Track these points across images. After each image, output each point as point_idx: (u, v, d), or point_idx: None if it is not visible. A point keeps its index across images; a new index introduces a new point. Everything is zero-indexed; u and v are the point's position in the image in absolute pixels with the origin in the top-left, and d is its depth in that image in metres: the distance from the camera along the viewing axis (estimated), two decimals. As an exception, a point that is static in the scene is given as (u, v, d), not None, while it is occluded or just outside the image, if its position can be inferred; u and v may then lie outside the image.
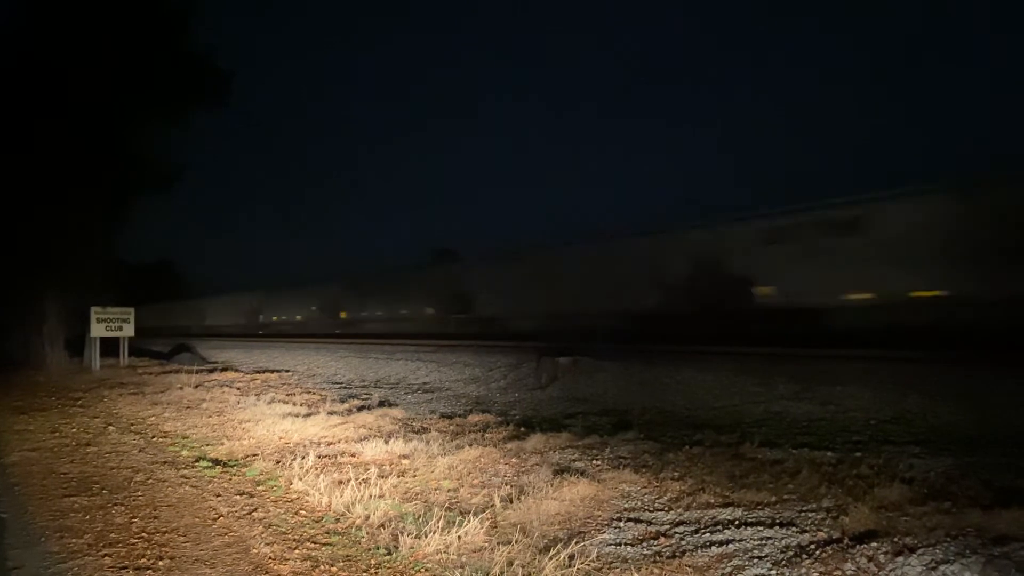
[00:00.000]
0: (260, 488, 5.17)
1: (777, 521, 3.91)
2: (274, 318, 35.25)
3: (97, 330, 16.76)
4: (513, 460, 5.61)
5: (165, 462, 6.17)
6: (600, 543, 3.75)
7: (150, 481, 5.49)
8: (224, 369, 15.37)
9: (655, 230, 17.06)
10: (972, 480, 4.45)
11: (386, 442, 6.27)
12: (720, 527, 3.89)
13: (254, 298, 37.89)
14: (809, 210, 13.44)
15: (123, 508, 4.75)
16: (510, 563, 3.45)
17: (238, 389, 11.22)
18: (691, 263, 15.33)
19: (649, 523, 4.06)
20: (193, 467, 5.93)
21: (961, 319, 10.57)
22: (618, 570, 3.42)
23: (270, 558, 3.71)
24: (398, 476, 5.21)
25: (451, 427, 7.27)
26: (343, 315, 28.71)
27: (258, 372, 14.47)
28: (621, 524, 4.04)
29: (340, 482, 4.96)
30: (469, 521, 3.94)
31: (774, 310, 13.59)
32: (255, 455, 6.21)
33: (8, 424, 8.59)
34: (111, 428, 8.06)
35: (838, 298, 12.56)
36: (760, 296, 13.98)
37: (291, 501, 4.81)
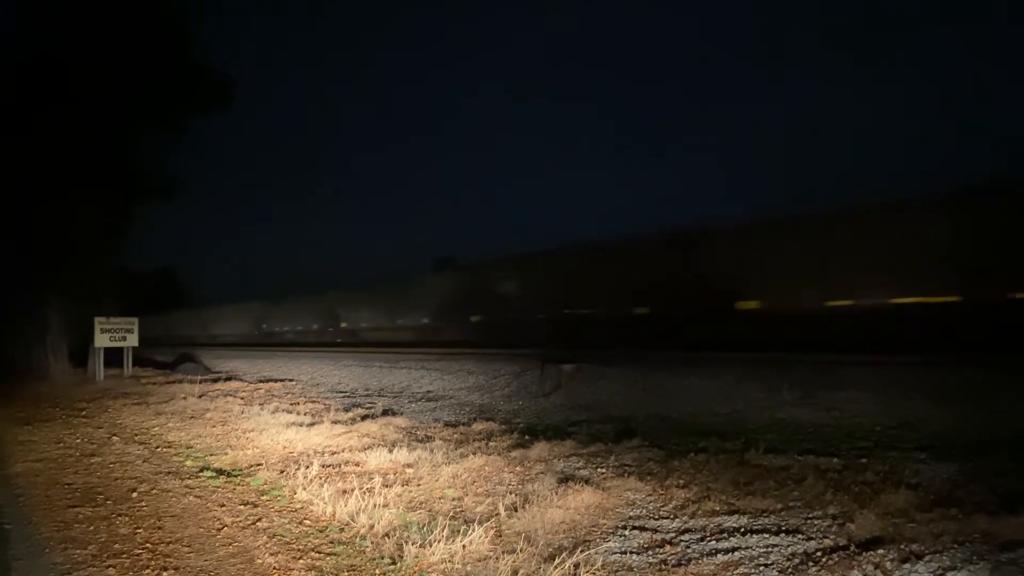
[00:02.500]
0: (264, 498, 5.16)
1: (783, 528, 3.90)
2: (276, 328, 35.25)
3: (101, 340, 16.77)
4: (517, 468, 5.60)
5: (169, 472, 6.17)
6: (605, 551, 3.74)
7: (154, 491, 5.48)
8: (228, 379, 15.37)
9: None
10: (978, 485, 4.43)
11: (390, 451, 6.26)
12: (726, 535, 3.88)
13: (256, 308, 37.92)
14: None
15: (127, 519, 4.75)
16: (515, 572, 3.44)
17: (242, 399, 11.22)
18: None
19: (654, 531, 4.04)
20: (197, 477, 5.93)
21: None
22: (624, 578, 3.41)
23: (274, 568, 3.71)
24: (402, 485, 5.20)
25: (455, 435, 7.26)
26: (344, 325, 28.71)
27: (262, 381, 14.47)
28: (626, 532, 4.03)
29: (344, 491, 4.95)
30: (474, 530, 3.94)
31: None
32: (259, 465, 6.21)
33: (12, 435, 8.60)
34: (115, 438, 8.06)
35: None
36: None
37: (295, 511, 4.80)
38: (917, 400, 6.98)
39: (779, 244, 13.62)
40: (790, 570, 3.35)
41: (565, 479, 5.11)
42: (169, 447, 7.45)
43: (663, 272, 15.81)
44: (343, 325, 28.69)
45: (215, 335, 41.11)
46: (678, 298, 15.25)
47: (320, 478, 5.45)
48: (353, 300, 28.57)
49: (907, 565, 3.21)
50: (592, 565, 3.51)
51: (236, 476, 5.88)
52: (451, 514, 4.46)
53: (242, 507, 4.94)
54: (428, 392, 11.53)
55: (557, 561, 3.47)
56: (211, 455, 6.86)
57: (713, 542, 3.78)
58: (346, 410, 9.51)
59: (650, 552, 3.72)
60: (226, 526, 4.50)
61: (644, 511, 4.44)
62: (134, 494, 5.41)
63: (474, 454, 6.04)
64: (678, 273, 15.43)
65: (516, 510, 4.44)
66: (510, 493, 4.88)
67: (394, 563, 3.70)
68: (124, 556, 3.98)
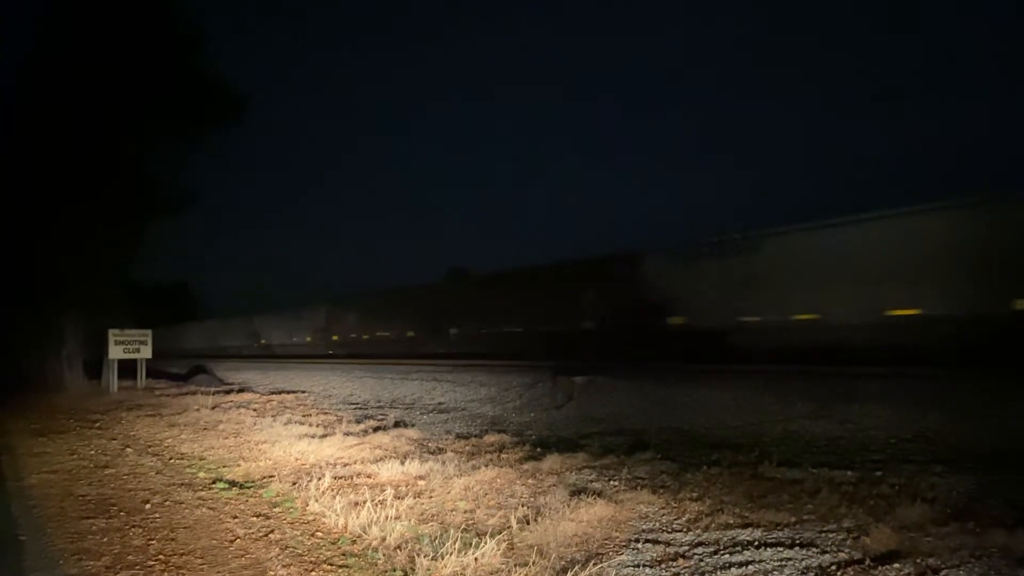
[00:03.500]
0: (276, 510, 5.17)
1: (797, 542, 3.87)
2: (286, 340, 35.36)
3: (115, 352, 16.88)
4: (530, 481, 5.59)
5: (182, 484, 6.18)
6: (618, 564, 3.72)
7: (167, 503, 5.50)
8: (241, 390, 15.43)
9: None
10: (995, 499, 4.39)
11: (402, 463, 6.26)
12: (739, 548, 3.85)
13: (266, 319, 38.08)
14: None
15: (140, 530, 4.76)
16: (527, 585, 3.43)
17: (254, 410, 11.26)
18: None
19: (667, 544, 4.02)
20: (210, 489, 5.94)
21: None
22: (636, 592, 3.39)
23: (287, 580, 3.71)
24: (414, 497, 5.20)
25: (467, 447, 7.25)
26: (353, 336, 28.82)
27: (274, 393, 14.51)
28: (639, 545, 4.01)
29: (356, 503, 4.95)
30: (486, 543, 3.92)
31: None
32: (271, 476, 6.22)
33: (27, 446, 8.65)
34: (129, 450, 8.10)
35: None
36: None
37: (307, 523, 4.80)
38: (932, 413, 6.93)
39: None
40: (805, 584, 3.33)
41: (577, 492, 5.10)
42: (182, 459, 7.47)
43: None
44: (353, 336, 28.77)
45: (227, 347, 41.27)
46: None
47: (332, 490, 5.45)
48: (360, 310, 28.62)
49: (923, 580, 3.18)
50: (605, 578, 3.50)
51: (249, 488, 5.90)
52: (463, 527, 4.45)
53: (255, 519, 4.95)
54: (440, 404, 11.53)
55: (570, 574, 3.46)
56: (224, 467, 6.88)
57: (727, 555, 3.75)
58: (358, 422, 9.52)
59: (663, 565, 3.69)
60: (239, 538, 4.51)
61: (657, 524, 4.42)
62: (147, 506, 5.43)
63: (486, 466, 6.03)
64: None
65: (528, 523, 4.42)
66: (522, 506, 4.86)
67: (406, 575, 3.69)
68: (137, 567, 3.99)
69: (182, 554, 4.22)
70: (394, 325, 25.34)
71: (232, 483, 6.08)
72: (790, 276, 12.69)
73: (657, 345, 14.65)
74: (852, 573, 3.35)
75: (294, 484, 5.81)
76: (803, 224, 13.00)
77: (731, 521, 4.36)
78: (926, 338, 10.58)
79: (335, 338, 28.96)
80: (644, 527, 4.37)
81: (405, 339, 24.33)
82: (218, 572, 3.90)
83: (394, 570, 3.78)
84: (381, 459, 6.58)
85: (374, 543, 4.22)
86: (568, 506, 4.69)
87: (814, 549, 3.73)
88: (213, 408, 11.52)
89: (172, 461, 7.37)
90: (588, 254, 18.49)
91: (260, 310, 40.24)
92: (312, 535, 4.51)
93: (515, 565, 3.68)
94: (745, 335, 13.17)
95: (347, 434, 8.15)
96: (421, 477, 5.80)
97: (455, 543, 3.94)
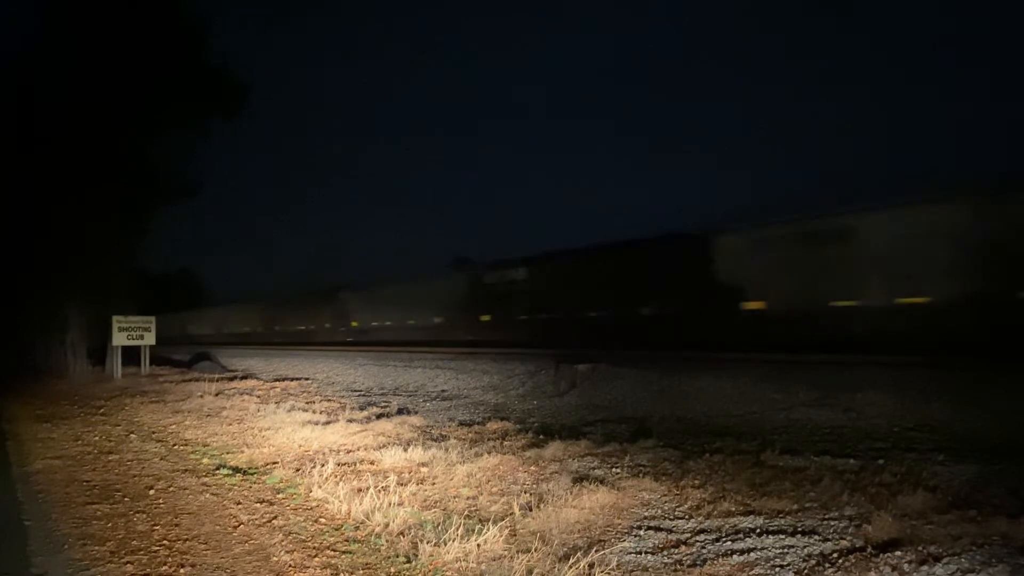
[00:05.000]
0: (280, 496, 5.19)
1: (799, 529, 3.88)
2: (290, 327, 35.39)
3: (119, 339, 16.90)
4: (532, 468, 5.60)
5: (186, 470, 6.21)
6: (620, 551, 3.73)
7: (171, 489, 5.53)
8: (244, 377, 15.45)
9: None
10: (997, 488, 4.39)
11: (405, 450, 6.27)
12: (741, 535, 3.86)
13: (269, 307, 38.14)
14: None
15: (145, 516, 4.79)
16: (530, 571, 3.44)
17: (258, 397, 11.28)
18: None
19: (670, 531, 4.03)
20: (214, 475, 5.97)
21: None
22: (638, 579, 3.40)
23: (290, 566, 3.73)
24: (417, 484, 5.21)
25: (470, 435, 7.27)
26: (354, 324, 28.82)
27: (278, 380, 14.54)
28: (641, 532, 4.02)
29: (359, 490, 4.97)
30: (488, 529, 3.93)
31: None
32: (275, 463, 6.24)
33: (32, 432, 8.70)
34: (133, 436, 8.13)
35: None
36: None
37: (311, 509, 4.82)
38: (935, 402, 6.92)
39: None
40: (806, 571, 3.33)
41: (580, 479, 5.10)
42: (186, 445, 7.50)
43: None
44: (354, 324, 28.80)
45: (230, 334, 41.34)
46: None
47: (335, 476, 5.47)
48: (364, 299, 28.64)
49: (925, 567, 3.18)
50: (607, 565, 3.50)
51: (252, 474, 5.92)
52: (466, 513, 4.46)
53: (258, 505, 4.97)
54: (443, 391, 11.55)
55: (572, 561, 3.46)
56: (227, 453, 6.91)
57: (729, 543, 3.76)
58: (361, 409, 9.54)
59: (665, 552, 3.70)
60: (242, 524, 4.53)
61: (659, 511, 4.43)
62: (151, 491, 5.45)
63: (489, 453, 6.04)
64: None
65: (531, 509, 4.43)
66: (525, 492, 4.88)
67: (409, 561, 3.71)
68: (142, 553, 4.01)
69: (186, 539, 4.24)
70: (420, 312, 25.24)
71: (236, 469, 6.10)
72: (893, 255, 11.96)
73: (734, 332, 14.00)
74: (854, 561, 3.35)
75: (297, 470, 5.83)
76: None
77: (733, 509, 4.36)
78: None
79: (355, 324, 28.87)
80: (646, 514, 4.38)
81: (431, 326, 24.19)
82: (222, 557, 3.92)
83: (397, 556, 3.79)
84: (384, 446, 6.59)
85: (377, 529, 4.23)
86: (570, 493, 4.69)
87: (816, 537, 3.74)
88: (217, 395, 11.54)
89: (176, 447, 7.39)
90: (654, 232, 17.83)
91: (268, 297, 40.36)
92: (315, 521, 4.53)
93: (517, 551, 3.69)
94: (837, 319, 12.46)
95: (350, 421, 8.17)
96: (424, 464, 5.81)
97: (458, 529, 3.96)
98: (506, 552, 3.72)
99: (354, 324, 28.56)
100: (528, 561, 3.53)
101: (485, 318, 21.64)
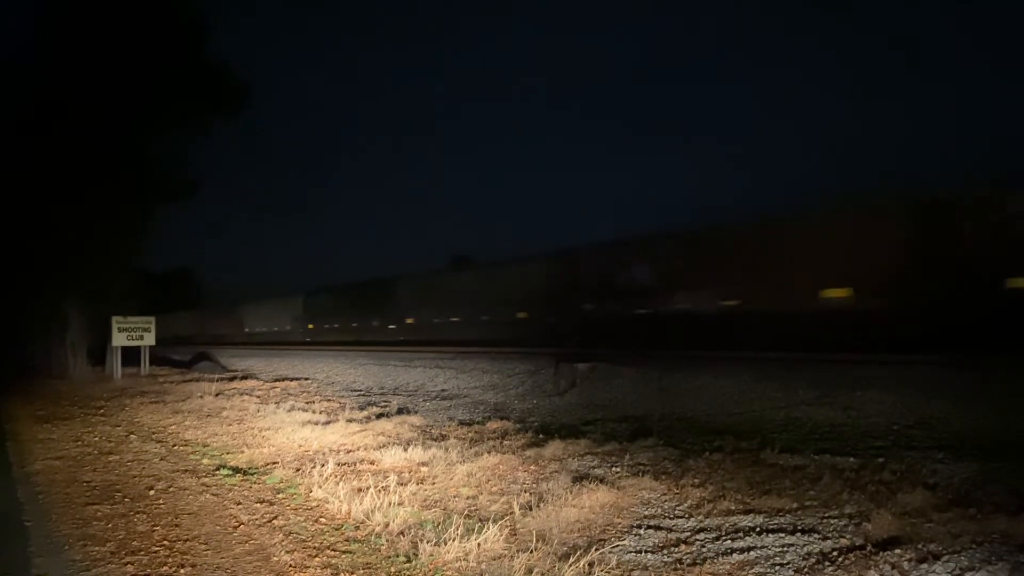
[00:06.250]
0: (280, 496, 5.19)
1: (799, 528, 3.88)
2: (290, 326, 35.30)
3: (118, 339, 16.91)
4: (532, 467, 5.60)
5: (186, 470, 6.21)
6: (620, 550, 3.73)
7: (171, 489, 5.53)
8: (244, 377, 15.46)
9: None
10: (997, 486, 4.39)
11: (405, 449, 6.28)
12: (741, 534, 3.86)
13: (272, 306, 37.99)
14: None
15: (145, 516, 4.79)
16: (530, 571, 3.44)
17: (258, 397, 11.29)
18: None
19: (670, 530, 4.03)
20: (214, 475, 5.97)
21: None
22: (638, 577, 3.40)
23: (290, 566, 3.73)
24: (417, 483, 5.22)
25: (470, 434, 7.26)
26: (353, 325, 28.71)
27: (278, 380, 14.54)
28: (641, 531, 4.02)
29: (359, 490, 4.97)
30: (488, 528, 3.94)
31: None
32: (275, 463, 6.24)
33: (32, 433, 8.70)
34: (133, 437, 8.14)
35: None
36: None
37: (311, 509, 4.83)
38: (935, 400, 6.92)
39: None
40: (806, 570, 3.33)
41: (580, 478, 5.10)
42: (186, 445, 7.50)
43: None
44: (354, 325, 28.74)
45: (228, 334, 41.24)
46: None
47: (335, 476, 5.47)
48: (364, 299, 28.57)
49: (924, 565, 3.18)
50: (607, 564, 3.51)
51: (252, 474, 5.92)
52: (466, 512, 4.46)
53: (258, 505, 4.97)
54: (443, 391, 11.55)
55: (572, 560, 3.46)
56: (228, 453, 6.91)
57: (728, 541, 3.76)
58: (361, 408, 9.54)
59: (665, 551, 3.70)
60: (242, 524, 4.53)
61: (659, 510, 4.43)
62: (151, 492, 5.45)
63: (488, 453, 6.04)
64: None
65: (531, 509, 4.44)
66: (525, 492, 4.88)
67: (409, 561, 3.71)
68: (142, 553, 4.01)
69: (186, 540, 4.24)
70: (420, 311, 25.02)
71: (236, 469, 6.10)
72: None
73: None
74: (854, 559, 3.36)
75: (297, 470, 5.83)
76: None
77: (733, 507, 4.36)
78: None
79: (409, 321, 28.29)
80: (646, 513, 4.38)
81: (431, 325, 24.01)
82: (222, 557, 3.92)
83: (397, 555, 3.79)
84: (384, 446, 6.60)
85: (377, 529, 4.23)
86: (570, 492, 4.69)
87: (816, 535, 3.74)
88: (216, 395, 11.55)
89: (176, 448, 7.40)
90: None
91: (271, 296, 39.96)
92: (316, 521, 4.53)
93: (518, 551, 3.70)
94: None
95: (350, 421, 8.17)
96: (424, 463, 5.81)
97: (458, 529, 3.96)
98: (506, 551, 3.72)
99: (409, 321, 26.69)
100: (528, 560, 3.53)
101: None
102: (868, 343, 10.44)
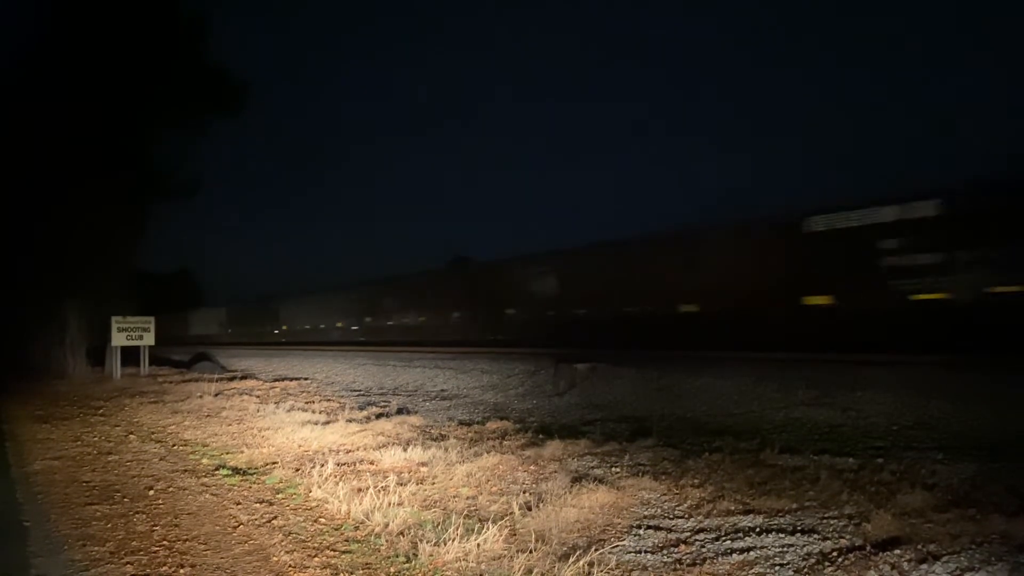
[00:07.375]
0: (280, 496, 5.19)
1: (798, 528, 3.88)
2: (294, 326, 35.31)
3: (118, 339, 16.87)
4: (531, 467, 5.60)
5: (185, 470, 6.21)
6: (620, 550, 3.73)
7: (171, 489, 5.52)
8: (243, 377, 15.44)
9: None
10: (996, 486, 4.39)
11: (404, 449, 6.28)
12: (741, 534, 3.86)
13: (273, 305, 37.97)
14: None
15: (144, 516, 4.79)
16: (529, 571, 3.44)
17: (257, 397, 11.28)
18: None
19: (669, 530, 4.03)
20: (213, 475, 5.97)
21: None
22: (638, 578, 3.40)
23: (290, 566, 3.73)
24: (417, 483, 5.21)
25: (469, 434, 7.26)
26: (352, 326, 28.72)
27: (277, 380, 14.54)
28: (641, 531, 4.02)
29: (359, 490, 4.97)
30: (488, 529, 3.93)
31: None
32: (275, 463, 6.24)
33: (31, 433, 8.69)
34: (132, 437, 8.13)
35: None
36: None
37: (310, 509, 4.82)
38: (934, 400, 6.93)
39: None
40: (806, 570, 3.33)
41: (579, 478, 5.11)
42: (185, 445, 7.50)
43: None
44: (352, 327, 28.74)
45: (231, 333, 41.26)
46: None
47: (335, 476, 5.47)
48: (365, 298, 28.59)
49: (924, 566, 3.18)
50: (606, 564, 3.50)
51: (252, 474, 5.92)
52: (465, 513, 4.46)
53: (258, 505, 4.97)
54: (442, 391, 11.55)
55: (571, 560, 3.46)
56: (227, 453, 6.91)
57: (728, 541, 3.76)
58: (361, 408, 9.54)
59: (665, 551, 3.70)
60: (242, 524, 4.53)
61: (659, 510, 4.43)
62: (151, 492, 5.45)
63: (488, 453, 6.04)
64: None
65: (530, 509, 4.43)
66: (524, 492, 4.87)
67: (409, 561, 3.71)
68: (141, 553, 4.01)
69: (186, 540, 4.24)
70: (418, 312, 25.05)
71: (235, 470, 6.10)
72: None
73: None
74: (853, 559, 3.36)
75: (297, 471, 5.83)
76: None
77: (733, 507, 4.36)
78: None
79: (352, 326, 28.34)
80: (646, 513, 4.38)
81: (428, 326, 24.03)
82: (222, 558, 3.92)
83: (397, 556, 3.79)
84: (384, 446, 6.60)
85: (377, 529, 4.23)
86: (570, 492, 4.69)
87: (815, 535, 3.74)
88: (216, 395, 11.54)
89: (175, 448, 7.39)
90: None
91: (272, 296, 39.82)
92: (315, 521, 4.53)
93: (517, 551, 3.69)
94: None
95: (350, 421, 8.16)
96: (424, 464, 5.81)
97: (457, 529, 3.96)
98: (506, 552, 3.72)
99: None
100: (528, 560, 3.53)
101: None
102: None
